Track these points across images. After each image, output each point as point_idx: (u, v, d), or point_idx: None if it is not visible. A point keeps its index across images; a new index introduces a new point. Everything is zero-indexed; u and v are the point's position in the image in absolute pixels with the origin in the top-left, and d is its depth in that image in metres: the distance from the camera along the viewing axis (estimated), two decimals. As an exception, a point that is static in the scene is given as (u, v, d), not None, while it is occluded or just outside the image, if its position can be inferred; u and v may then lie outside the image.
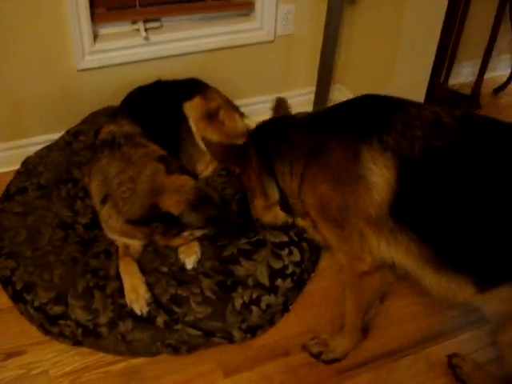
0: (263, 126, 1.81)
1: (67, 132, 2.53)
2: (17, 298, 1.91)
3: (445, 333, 1.98)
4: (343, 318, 1.91)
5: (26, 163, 2.41)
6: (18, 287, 1.91)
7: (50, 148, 2.48)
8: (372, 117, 1.56)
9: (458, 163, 1.44)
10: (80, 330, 1.82)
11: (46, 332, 1.88)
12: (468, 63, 3.39)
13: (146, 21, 2.54)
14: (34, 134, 2.58)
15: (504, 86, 3.45)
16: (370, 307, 1.83)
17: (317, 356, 1.87)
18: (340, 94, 3.08)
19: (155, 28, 2.58)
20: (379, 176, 1.47)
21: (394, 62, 2.64)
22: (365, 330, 1.90)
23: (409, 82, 2.70)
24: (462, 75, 3.41)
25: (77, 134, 2.50)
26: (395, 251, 1.51)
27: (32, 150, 2.50)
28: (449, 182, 1.43)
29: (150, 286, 1.89)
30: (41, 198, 2.21)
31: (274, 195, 1.76)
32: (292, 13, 2.74)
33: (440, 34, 2.79)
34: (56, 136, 2.55)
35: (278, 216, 1.86)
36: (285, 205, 1.77)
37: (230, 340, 1.88)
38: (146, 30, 2.52)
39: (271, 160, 1.70)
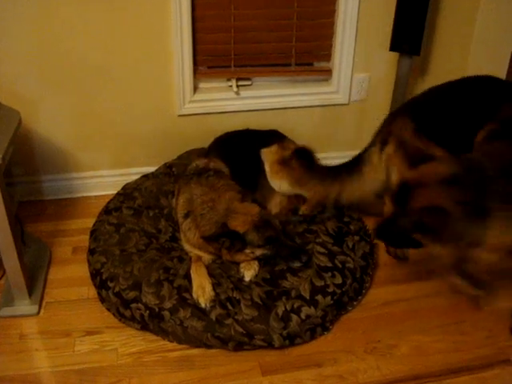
0: None
1: (164, 164, 2.92)
2: (102, 285, 2.24)
3: (469, 368, 2.08)
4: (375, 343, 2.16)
5: (125, 187, 2.80)
6: (104, 277, 2.24)
7: (146, 177, 2.86)
8: None
9: None
10: (147, 313, 2.11)
11: (121, 316, 2.18)
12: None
13: (238, 79, 2.92)
14: (136, 165, 3.00)
15: None
16: None
17: None
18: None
19: (246, 85, 2.96)
20: None
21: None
22: None
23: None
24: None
25: (171, 167, 2.88)
26: None
27: (134, 178, 2.88)
28: None
29: (212, 286, 2.17)
30: (132, 216, 2.57)
31: None
32: (366, 81, 3.01)
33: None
34: (155, 168, 2.94)
35: None
36: None
37: (269, 344, 2.09)
38: (237, 86, 2.91)
39: None
